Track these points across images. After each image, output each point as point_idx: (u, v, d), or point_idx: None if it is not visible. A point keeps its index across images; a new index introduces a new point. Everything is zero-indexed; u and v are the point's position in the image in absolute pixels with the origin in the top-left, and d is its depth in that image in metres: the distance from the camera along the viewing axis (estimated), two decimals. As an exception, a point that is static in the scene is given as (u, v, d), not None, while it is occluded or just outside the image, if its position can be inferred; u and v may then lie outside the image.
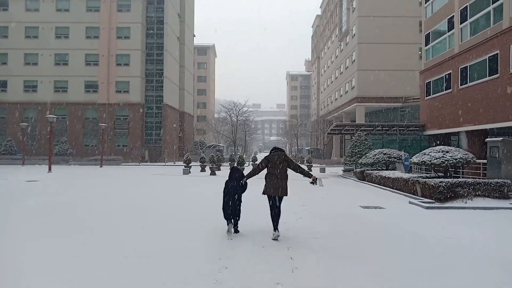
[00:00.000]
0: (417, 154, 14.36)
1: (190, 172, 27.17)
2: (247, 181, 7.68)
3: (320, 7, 72.55)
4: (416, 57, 43.06)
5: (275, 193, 7.29)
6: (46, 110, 43.64)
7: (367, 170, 20.11)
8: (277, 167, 7.32)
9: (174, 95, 51.05)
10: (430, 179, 12.79)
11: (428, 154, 13.62)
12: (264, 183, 7.44)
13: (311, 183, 7.68)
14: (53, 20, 44.64)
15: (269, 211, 7.44)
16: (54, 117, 28.15)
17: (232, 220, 7.58)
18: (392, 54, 42.77)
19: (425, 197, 12.88)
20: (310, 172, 7.87)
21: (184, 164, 28.03)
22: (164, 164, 42.68)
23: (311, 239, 7.19)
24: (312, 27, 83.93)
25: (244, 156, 42.69)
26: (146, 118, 46.46)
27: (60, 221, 8.83)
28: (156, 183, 19.74)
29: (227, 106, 52.05)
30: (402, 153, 19.97)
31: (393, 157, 19.48)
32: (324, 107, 63.76)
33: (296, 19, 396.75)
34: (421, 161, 13.56)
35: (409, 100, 42.19)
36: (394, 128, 26.07)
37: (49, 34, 44.62)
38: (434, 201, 12.23)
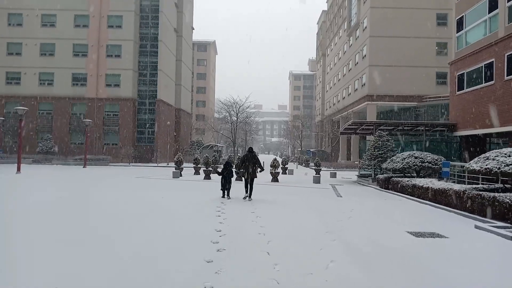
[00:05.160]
0: (475, 159, 10.70)
1: (181, 175, 23.54)
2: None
3: (326, 2, 69.01)
4: (433, 52, 39.54)
5: (248, 176, 12.76)
6: (30, 104, 40.09)
7: (394, 177, 16.44)
8: (250, 161, 12.83)
9: (170, 91, 47.41)
10: (502, 195, 9.13)
11: (493, 159, 9.96)
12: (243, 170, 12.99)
13: (259, 171, 13.18)
14: (39, 7, 41.05)
15: (244, 187, 13.02)
16: (24, 109, 24.46)
17: (226, 191, 12.87)
18: (406, 49, 39.22)
19: (492, 218, 9.26)
20: (261, 166, 13.38)
21: (174, 166, 24.41)
22: (156, 165, 39.06)
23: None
24: (317, 23, 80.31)
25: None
26: (138, 114, 42.85)
27: None
28: (127, 191, 16.07)
29: (227, 103, 48.30)
30: (436, 156, 16.32)
31: (427, 161, 15.82)
32: (330, 106, 60.10)
33: (300, 18, 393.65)
34: (485, 169, 9.90)
35: (426, 99, 38.57)
36: (419, 128, 22.41)
37: (34, 22, 41.05)
38: (511, 225, 8.60)
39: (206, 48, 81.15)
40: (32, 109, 40.49)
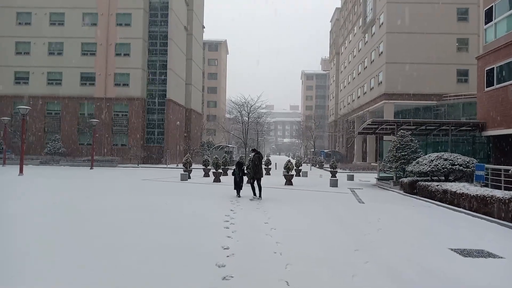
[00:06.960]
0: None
1: (189, 178, 22.37)
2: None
3: (340, -1, 67.44)
4: (453, 49, 37.81)
5: (257, 176, 13.38)
6: (38, 104, 39.50)
7: (421, 181, 14.99)
8: (258, 162, 13.51)
9: (180, 90, 46.40)
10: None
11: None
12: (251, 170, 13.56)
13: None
14: (47, 5, 40.42)
15: (251, 187, 13.57)
16: (27, 108, 23.71)
17: (239, 189, 13.78)
18: (425, 45, 37.57)
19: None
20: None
21: (183, 168, 23.28)
22: (165, 166, 38.04)
23: None
24: (330, 21, 78.68)
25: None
26: (147, 114, 41.91)
27: None
28: (127, 196, 14.95)
29: (238, 102, 47.03)
30: (468, 158, 14.82)
31: (458, 164, 14.34)
32: (344, 106, 58.50)
33: (312, 18, 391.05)
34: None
35: (446, 98, 36.84)
36: (444, 127, 20.87)
37: (42, 20, 40.43)
38: None
39: (217, 47, 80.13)
40: (40, 109, 39.93)
